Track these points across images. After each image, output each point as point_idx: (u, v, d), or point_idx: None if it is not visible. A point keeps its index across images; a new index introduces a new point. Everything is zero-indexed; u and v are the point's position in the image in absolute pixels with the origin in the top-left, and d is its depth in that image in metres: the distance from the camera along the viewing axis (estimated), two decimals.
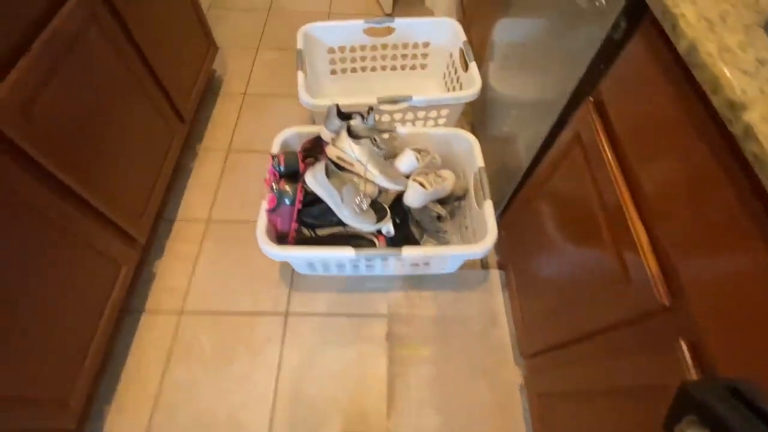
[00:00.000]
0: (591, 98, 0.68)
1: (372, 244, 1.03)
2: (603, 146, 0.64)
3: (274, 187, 0.89)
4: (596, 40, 0.63)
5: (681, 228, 0.50)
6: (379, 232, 1.03)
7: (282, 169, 0.91)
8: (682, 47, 0.45)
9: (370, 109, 1.01)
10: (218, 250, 1.20)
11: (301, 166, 0.93)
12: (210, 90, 1.54)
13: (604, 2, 0.60)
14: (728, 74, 0.40)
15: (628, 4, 0.56)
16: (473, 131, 1.47)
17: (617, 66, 0.62)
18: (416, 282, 1.17)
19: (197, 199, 1.29)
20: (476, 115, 1.43)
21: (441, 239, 1.19)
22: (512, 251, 1.09)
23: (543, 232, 0.87)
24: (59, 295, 0.81)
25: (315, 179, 0.88)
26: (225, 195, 1.30)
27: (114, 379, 1.01)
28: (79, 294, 0.86)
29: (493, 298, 1.15)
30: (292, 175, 0.93)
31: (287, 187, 0.89)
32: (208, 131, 1.44)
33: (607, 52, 0.63)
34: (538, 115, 0.88)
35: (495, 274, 1.19)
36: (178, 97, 1.20)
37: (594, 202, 0.67)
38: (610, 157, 0.63)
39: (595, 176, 0.67)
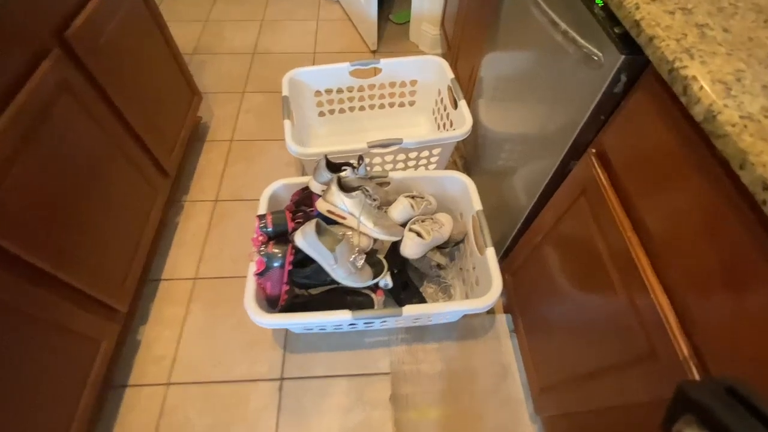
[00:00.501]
0: (593, 150, 0.65)
1: (369, 300, 0.97)
2: (610, 200, 0.60)
3: (262, 250, 0.83)
4: (596, 92, 0.59)
5: (701, 282, 0.45)
6: (377, 285, 0.98)
7: (270, 230, 0.86)
8: (696, 113, 0.41)
9: (361, 158, 0.97)
10: (206, 311, 1.13)
11: (290, 224, 0.87)
12: (196, 138, 1.50)
13: (602, 59, 0.56)
14: (757, 150, 0.35)
15: (629, 62, 0.53)
16: (466, 166, 1.44)
17: (619, 117, 0.59)
18: (419, 332, 1.10)
19: (184, 256, 1.23)
20: (468, 151, 1.40)
21: (442, 285, 1.13)
22: (519, 295, 1.03)
23: (553, 281, 0.82)
24: (32, 385, 0.73)
25: (305, 240, 0.83)
26: (212, 250, 1.24)
27: None
28: (54, 379, 0.79)
29: (502, 347, 1.08)
30: (281, 235, 0.88)
31: (276, 249, 0.84)
32: (195, 182, 1.39)
33: (608, 104, 0.60)
34: (535, 158, 0.85)
35: (501, 319, 1.13)
36: (161, 153, 1.16)
37: (605, 256, 0.62)
38: (618, 212, 0.59)
39: (604, 230, 0.62)
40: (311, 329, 0.99)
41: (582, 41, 0.59)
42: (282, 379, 1.03)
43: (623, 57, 0.53)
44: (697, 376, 0.46)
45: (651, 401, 0.54)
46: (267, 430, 0.96)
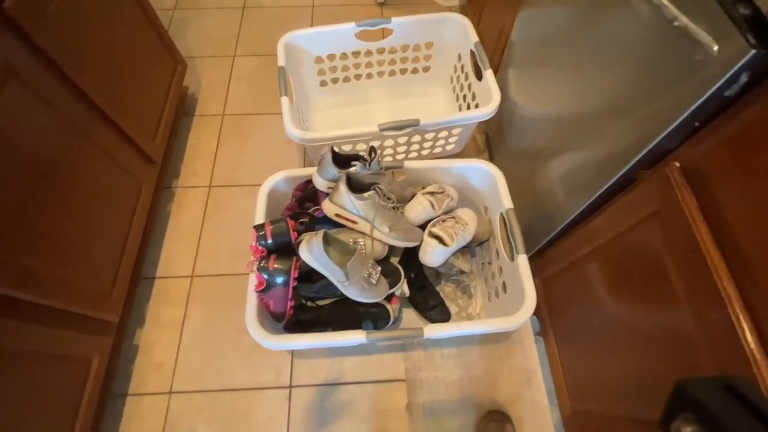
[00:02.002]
0: (677, 163, 0.51)
1: (384, 311, 0.87)
2: (698, 232, 0.47)
3: (263, 265, 0.72)
4: (698, 93, 0.44)
5: None
6: (392, 293, 0.88)
7: (270, 243, 0.74)
8: None
9: (373, 149, 0.83)
10: (206, 312, 1.05)
11: (293, 234, 0.75)
12: (183, 112, 1.34)
13: (714, 50, 0.41)
14: None
15: (759, 58, 0.38)
16: (488, 144, 1.29)
17: (727, 128, 0.44)
18: None
19: (178, 250, 1.12)
20: (492, 126, 1.24)
21: (462, 285, 1.03)
22: (550, 301, 0.94)
23: (598, 296, 0.72)
24: (18, 420, 0.66)
25: (312, 255, 0.72)
26: (209, 243, 1.13)
27: None
28: (43, 410, 0.71)
29: (526, 351, 1.00)
30: (283, 246, 0.76)
31: (278, 265, 0.73)
32: (185, 164, 1.25)
33: (711, 108, 0.45)
34: (584, 155, 0.70)
35: (527, 322, 1.04)
36: (142, 137, 1.01)
37: (676, 282, 0.51)
38: (710, 249, 0.46)
39: (680, 260, 0.50)
40: None
41: (686, 20, 0.43)
42: (291, 387, 0.97)
43: (754, 52, 0.38)
44: None
45: None
46: None
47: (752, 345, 0.42)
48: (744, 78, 0.40)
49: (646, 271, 0.57)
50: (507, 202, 0.87)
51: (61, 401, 0.75)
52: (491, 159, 1.24)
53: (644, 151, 0.53)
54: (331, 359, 0.99)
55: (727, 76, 0.40)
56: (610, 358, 0.69)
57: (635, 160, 0.55)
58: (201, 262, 1.11)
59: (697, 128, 0.48)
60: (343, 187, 0.78)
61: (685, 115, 0.46)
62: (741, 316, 0.43)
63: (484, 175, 0.93)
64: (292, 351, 1.00)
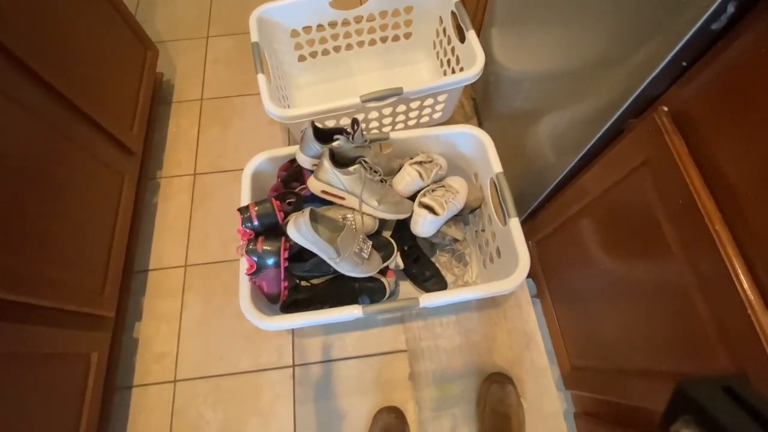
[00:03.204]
0: (665, 107, 0.49)
1: (379, 284, 0.87)
2: (689, 178, 0.46)
3: (251, 248, 0.71)
4: (683, 29, 0.42)
5: None
6: (387, 266, 0.87)
7: (256, 225, 0.73)
8: None
9: (355, 122, 0.80)
10: (203, 301, 1.04)
11: (280, 215, 0.74)
12: (161, 100, 1.29)
13: None
14: None
15: None
16: (476, 109, 1.26)
17: (714, 65, 0.42)
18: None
19: (169, 241, 1.11)
20: (478, 90, 1.21)
21: (456, 254, 1.03)
22: (545, 262, 0.94)
23: (591, 252, 0.71)
24: (21, 421, 0.66)
25: (300, 233, 0.70)
26: (199, 231, 1.12)
27: None
28: (45, 409, 0.72)
29: (523, 314, 1.01)
30: (271, 227, 0.75)
31: (267, 246, 0.72)
32: (168, 154, 1.22)
33: (697, 45, 0.43)
34: (571, 109, 0.68)
35: (523, 285, 1.04)
36: (119, 129, 0.98)
37: (668, 232, 0.50)
38: (701, 195, 0.45)
39: (672, 208, 0.49)
40: None
41: None
42: (293, 366, 0.97)
43: None
44: None
45: None
46: (284, 421, 0.92)
47: (747, 289, 0.42)
48: (731, 8, 0.38)
49: (638, 223, 0.56)
50: (497, 167, 0.85)
51: (63, 397, 0.76)
52: (480, 125, 1.22)
53: (632, 98, 0.51)
54: (332, 336, 1.00)
55: (714, 6, 0.38)
56: (606, 313, 0.69)
57: (623, 108, 0.53)
58: (193, 251, 1.10)
59: (685, 68, 0.46)
60: (327, 163, 0.76)
61: (672, 54, 0.44)
62: (735, 260, 0.42)
63: (473, 141, 0.91)
64: (293, 331, 1.01)
